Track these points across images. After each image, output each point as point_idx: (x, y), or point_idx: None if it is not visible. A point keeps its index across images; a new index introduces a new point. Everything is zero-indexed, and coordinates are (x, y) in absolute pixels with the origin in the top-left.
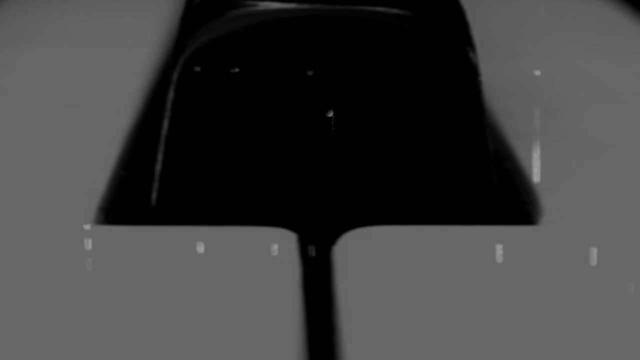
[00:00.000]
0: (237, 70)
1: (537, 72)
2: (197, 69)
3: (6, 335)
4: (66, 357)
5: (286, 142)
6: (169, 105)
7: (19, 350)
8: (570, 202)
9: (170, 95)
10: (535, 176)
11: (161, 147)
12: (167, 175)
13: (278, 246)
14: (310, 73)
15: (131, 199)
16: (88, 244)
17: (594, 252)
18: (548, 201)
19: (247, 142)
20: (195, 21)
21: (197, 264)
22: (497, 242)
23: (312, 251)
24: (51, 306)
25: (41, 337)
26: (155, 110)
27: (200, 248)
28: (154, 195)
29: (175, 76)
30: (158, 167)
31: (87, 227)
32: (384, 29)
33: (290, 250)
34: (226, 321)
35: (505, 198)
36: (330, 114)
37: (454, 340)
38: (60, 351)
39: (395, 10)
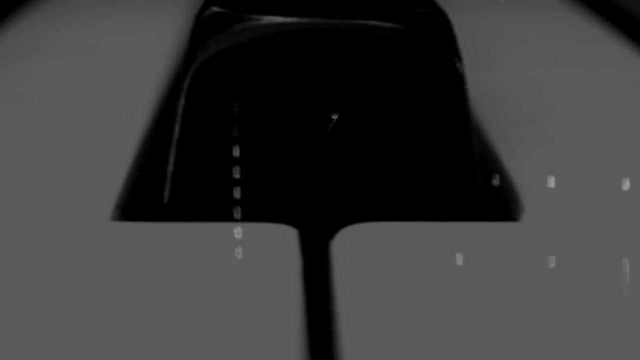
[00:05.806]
0: (241, 78)
1: (519, 81)
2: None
3: (22, 329)
4: (76, 350)
5: (287, 145)
6: (180, 111)
7: (35, 345)
8: (549, 200)
9: (181, 102)
10: (517, 176)
11: (173, 150)
12: (178, 175)
13: (281, 241)
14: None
15: (145, 198)
16: (105, 239)
17: (570, 247)
18: (528, 199)
19: (250, 145)
20: (204, 34)
21: (207, 257)
22: (481, 236)
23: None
24: (70, 298)
25: (56, 331)
26: (168, 115)
27: (210, 242)
28: (166, 194)
29: (185, 84)
30: (170, 168)
31: (105, 223)
32: (378, 40)
33: (292, 245)
34: (233, 310)
35: (489, 196)
36: (330, 118)
37: (445, 329)
38: (71, 345)
39: (388, 24)
